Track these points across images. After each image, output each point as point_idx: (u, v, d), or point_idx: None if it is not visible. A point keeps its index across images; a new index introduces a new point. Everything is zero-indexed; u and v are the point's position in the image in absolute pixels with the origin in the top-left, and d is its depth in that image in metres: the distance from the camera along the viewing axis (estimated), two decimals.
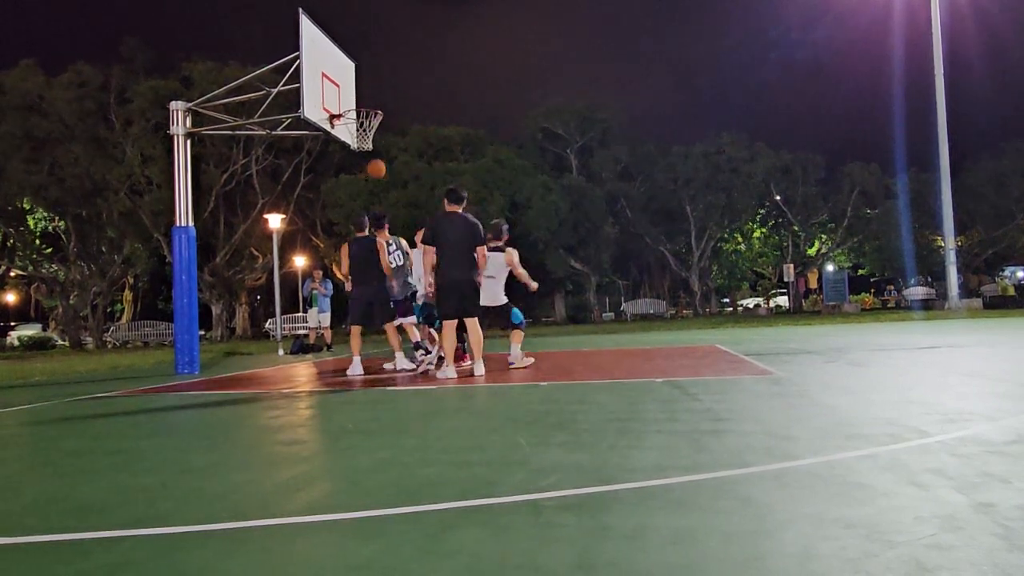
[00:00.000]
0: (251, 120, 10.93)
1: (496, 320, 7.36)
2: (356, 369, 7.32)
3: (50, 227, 28.95)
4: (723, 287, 40.93)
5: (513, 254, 7.26)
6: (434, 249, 6.49)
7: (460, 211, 6.61)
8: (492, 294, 7.12)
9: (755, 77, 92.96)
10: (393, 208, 29.10)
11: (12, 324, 36.83)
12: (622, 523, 1.92)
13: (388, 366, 7.95)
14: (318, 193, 30.98)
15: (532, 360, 7.73)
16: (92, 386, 7.45)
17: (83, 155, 25.14)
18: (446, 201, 6.68)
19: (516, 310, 7.42)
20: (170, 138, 9.87)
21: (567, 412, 3.97)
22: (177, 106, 9.71)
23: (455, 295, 6.49)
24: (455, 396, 5.05)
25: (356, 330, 7.72)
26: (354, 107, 10.06)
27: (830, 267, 35.09)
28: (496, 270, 7.15)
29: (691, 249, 33.45)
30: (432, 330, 8.06)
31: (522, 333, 7.50)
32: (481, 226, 6.65)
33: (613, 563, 1.64)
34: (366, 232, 8.04)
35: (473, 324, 6.59)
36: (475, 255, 6.52)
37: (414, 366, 7.69)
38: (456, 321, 6.58)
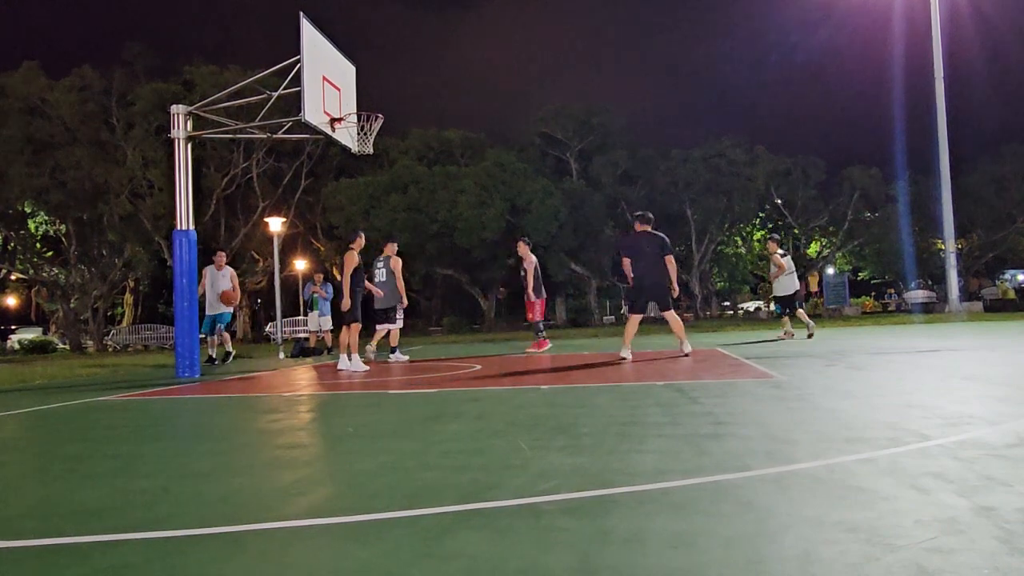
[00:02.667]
0: (252, 124, 10.96)
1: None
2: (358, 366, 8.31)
3: (51, 230, 28.99)
4: (724, 290, 40.94)
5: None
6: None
7: (649, 229, 8.18)
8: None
9: (755, 80, 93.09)
10: (393, 211, 29.13)
11: (13, 327, 36.89)
12: (622, 527, 1.92)
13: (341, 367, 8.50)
14: (318, 197, 31.04)
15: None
16: (92, 390, 7.45)
17: (85, 158, 25.18)
18: (638, 223, 8.26)
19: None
20: (171, 142, 9.89)
21: (567, 416, 3.97)
22: (178, 110, 9.72)
23: (650, 295, 8.08)
24: (455, 400, 5.05)
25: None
26: (355, 111, 10.08)
27: (830, 270, 35.11)
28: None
29: (691, 252, 33.47)
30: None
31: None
32: (668, 240, 8.26)
33: (613, 567, 1.63)
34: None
35: (671, 315, 8.20)
36: (666, 263, 7.99)
37: (367, 368, 8.36)
38: (640, 316, 8.26)
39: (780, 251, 11.95)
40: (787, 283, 11.81)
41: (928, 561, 1.57)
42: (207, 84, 24.45)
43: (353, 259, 8.45)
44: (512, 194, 29.38)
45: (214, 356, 11.63)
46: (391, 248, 10.23)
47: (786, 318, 11.89)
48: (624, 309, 10.07)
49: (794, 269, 12.00)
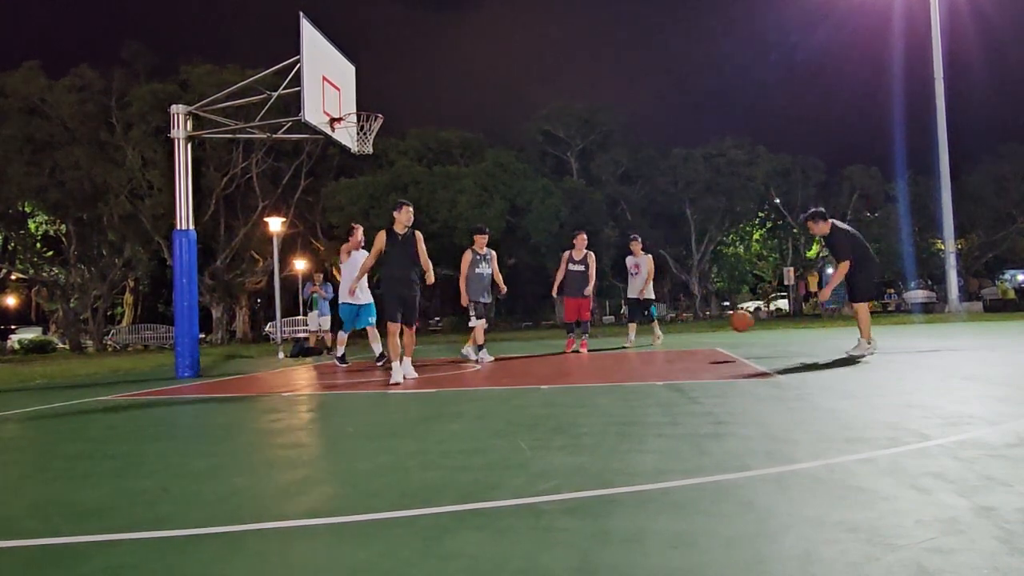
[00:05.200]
0: (252, 123, 10.95)
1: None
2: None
3: (51, 230, 28.97)
4: (723, 290, 40.93)
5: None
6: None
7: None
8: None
9: (755, 80, 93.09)
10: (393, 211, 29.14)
11: (13, 327, 36.85)
12: (623, 527, 1.92)
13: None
14: (318, 196, 31.02)
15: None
16: (92, 389, 7.45)
17: (84, 158, 25.17)
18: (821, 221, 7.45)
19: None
20: (171, 141, 9.88)
21: (567, 415, 3.97)
22: (178, 110, 9.72)
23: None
24: (455, 400, 5.05)
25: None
26: (355, 111, 10.07)
27: (830, 270, 35.09)
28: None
29: (691, 252, 33.47)
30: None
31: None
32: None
33: (614, 567, 1.63)
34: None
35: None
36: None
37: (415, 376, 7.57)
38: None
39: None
40: (640, 285, 10.67)
41: (928, 561, 1.57)
42: (204, 84, 24.42)
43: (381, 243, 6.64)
44: (512, 194, 29.39)
45: (344, 354, 9.49)
46: (482, 240, 9.11)
47: (633, 325, 11.02)
48: (624, 310, 9.76)
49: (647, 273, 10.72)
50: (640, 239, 10.96)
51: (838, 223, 7.47)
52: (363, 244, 9.18)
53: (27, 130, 24.84)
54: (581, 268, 10.09)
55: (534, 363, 8.47)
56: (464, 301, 8.91)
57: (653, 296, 10.95)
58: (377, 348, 9.22)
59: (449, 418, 4.16)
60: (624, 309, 33.47)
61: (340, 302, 8.98)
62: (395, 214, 6.66)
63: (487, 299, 9.12)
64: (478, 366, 8.30)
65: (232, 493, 2.52)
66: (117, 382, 8.48)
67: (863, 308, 7.27)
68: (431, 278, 6.72)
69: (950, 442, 2.81)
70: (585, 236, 10.36)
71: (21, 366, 14.32)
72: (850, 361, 6.67)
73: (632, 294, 10.85)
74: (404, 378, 6.45)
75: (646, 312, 10.95)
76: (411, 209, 6.74)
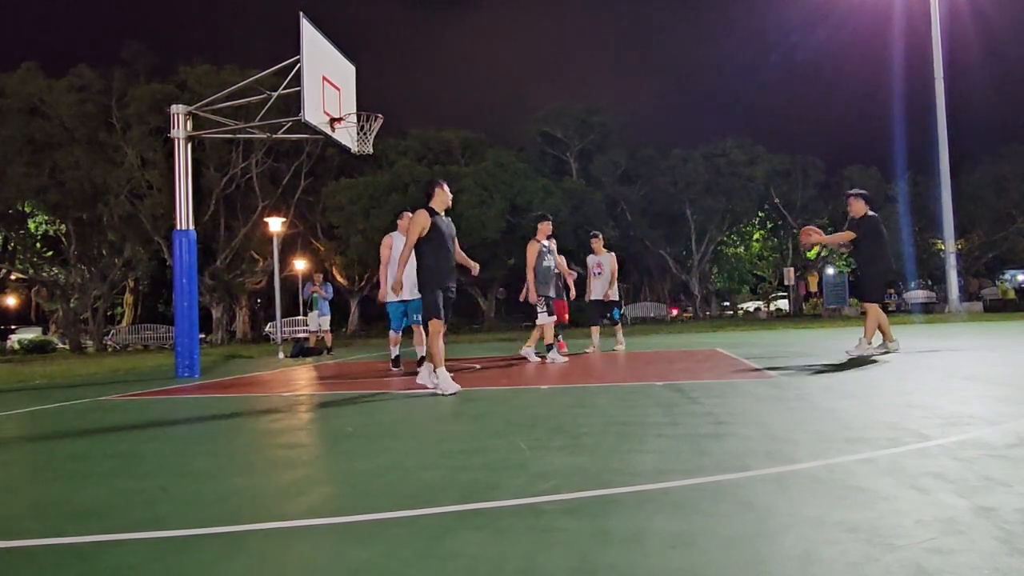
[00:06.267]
0: (252, 124, 10.95)
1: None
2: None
3: (51, 230, 28.96)
4: (723, 290, 40.95)
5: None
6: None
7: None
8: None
9: (755, 80, 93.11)
10: (393, 212, 29.13)
11: (12, 327, 36.85)
12: (622, 527, 1.92)
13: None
14: (318, 196, 31.03)
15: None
16: (92, 390, 7.45)
17: (84, 158, 25.16)
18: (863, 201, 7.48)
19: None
20: (170, 141, 9.89)
21: (567, 416, 3.97)
22: (178, 110, 9.72)
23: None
24: (455, 399, 5.05)
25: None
26: (355, 110, 10.07)
27: (830, 270, 35.11)
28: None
29: (691, 252, 33.47)
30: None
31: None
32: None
33: (613, 567, 1.63)
34: None
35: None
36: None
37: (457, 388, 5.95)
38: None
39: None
40: (605, 286, 10.05)
41: (928, 561, 1.57)
42: (201, 84, 24.43)
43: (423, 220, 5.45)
44: (512, 194, 29.38)
45: (398, 356, 8.13)
46: (547, 228, 8.58)
47: (596, 328, 10.28)
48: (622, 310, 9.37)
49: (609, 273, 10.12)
50: (601, 236, 10.36)
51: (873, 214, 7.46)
52: None
53: (27, 130, 24.83)
54: (596, 272, 10.04)
55: (531, 362, 8.46)
56: (533, 297, 8.39)
57: (618, 297, 10.28)
58: (421, 350, 7.22)
59: (449, 418, 4.16)
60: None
61: (386, 300, 7.62)
62: (437, 189, 5.58)
63: (554, 294, 8.69)
64: (551, 362, 8.01)
65: (232, 493, 2.52)
66: (117, 382, 8.47)
67: (874, 308, 7.19)
68: (476, 267, 6.07)
69: (950, 442, 2.81)
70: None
71: (21, 366, 14.32)
72: (850, 361, 6.67)
73: (596, 295, 10.08)
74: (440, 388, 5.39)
75: (609, 315, 10.19)
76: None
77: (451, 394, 5.24)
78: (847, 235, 7.46)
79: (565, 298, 9.54)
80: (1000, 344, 8.38)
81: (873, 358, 6.84)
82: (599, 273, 10.10)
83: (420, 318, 6.84)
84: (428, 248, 5.44)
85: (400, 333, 7.96)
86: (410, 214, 6.19)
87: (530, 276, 8.40)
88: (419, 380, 5.91)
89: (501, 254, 30.12)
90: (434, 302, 5.45)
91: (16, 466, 3.31)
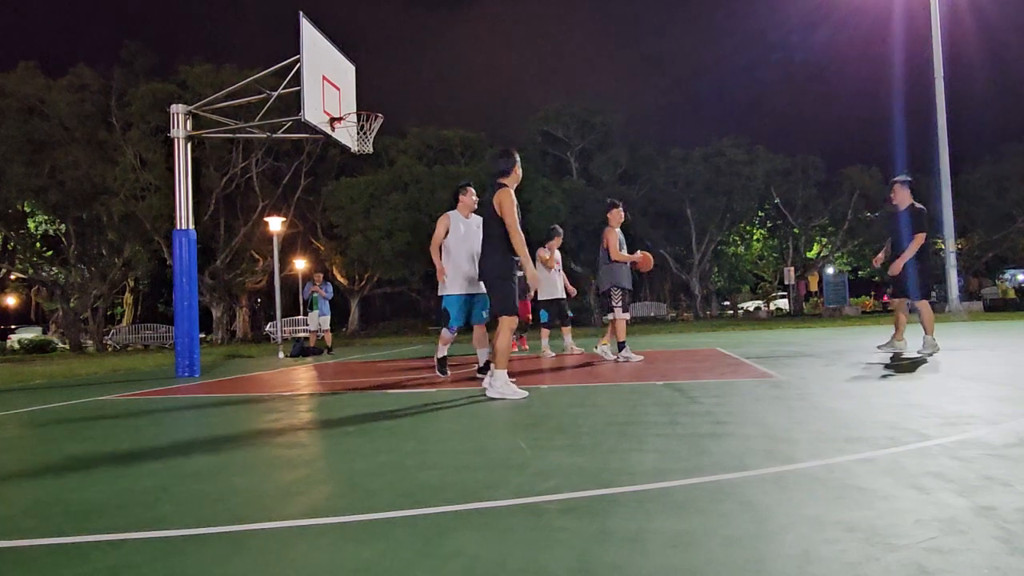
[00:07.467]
0: (251, 123, 10.95)
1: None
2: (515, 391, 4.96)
3: (51, 230, 28.96)
4: (723, 290, 40.93)
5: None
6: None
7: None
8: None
9: (755, 79, 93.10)
10: (393, 211, 29.14)
11: (12, 327, 36.87)
12: (622, 526, 1.92)
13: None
14: (318, 196, 31.05)
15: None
16: (92, 389, 7.45)
17: (83, 158, 25.16)
18: (908, 190, 7.36)
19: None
20: (170, 141, 9.89)
21: (567, 415, 3.97)
22: (178, 109, 9.73)
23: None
24: (456, 399, 5.05)
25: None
26: (355, 110, 10.08)
27: (830, 270, 35.11)
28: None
29: (691, 252, 33.47)
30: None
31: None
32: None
33: (613, 566, 1.63)
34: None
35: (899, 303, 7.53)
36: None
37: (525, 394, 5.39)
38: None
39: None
40: (551, 286, 9.56)
41: (928, 561, 1.57)
42: (201, 84, 24.43)
43: (510, 197, 5.08)
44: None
45: (446, 357, 7.03)
46: (619, 216, 8.00)
47: (568, 328, 9.89)
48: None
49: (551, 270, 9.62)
50: (559, 228, 9.85)
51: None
52: (476, 209, 6.41)
53: (26, 130, 24.82)
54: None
55: (534, 362, 8.46)
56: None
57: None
58: (484, 355, 6.46)
59: (449, 418, 4.16)
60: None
61: (445, 293, 6.41)
62: (516, 167, 5.27)
63: (629, 285, 7.93)
64: (624, 360, 7.57)
65: (232, 493, 2.52)
66: (117, 382, 8.48)
67: (925, 305, 7.18)
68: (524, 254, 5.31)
69: (950, 442, 2.81)
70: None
71: (21, 366, 14.32)
72: (850, 361, 6.67)
73: (557, 293, 9.57)
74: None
75: (569, 314, 9.80)
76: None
77: (511, 397, 4.82)
78: (918, 241, 7.07)
79: (527, 298, 9.59)
80: (1000, 344, 8.38)
81: (890, 358, 6.84)
82: (557, 269, 9.68)
83: (488, 314, 6.12)
84: (500, 241, 4.86)
85: (456, 332, 6.50)
86: (472, 190, 5.77)
87: (619, 255, 7.71)
88: (489, 393, 4.96)
89: None
90: (512, 294, 4.95)
91: (16, 465, 3.31)
